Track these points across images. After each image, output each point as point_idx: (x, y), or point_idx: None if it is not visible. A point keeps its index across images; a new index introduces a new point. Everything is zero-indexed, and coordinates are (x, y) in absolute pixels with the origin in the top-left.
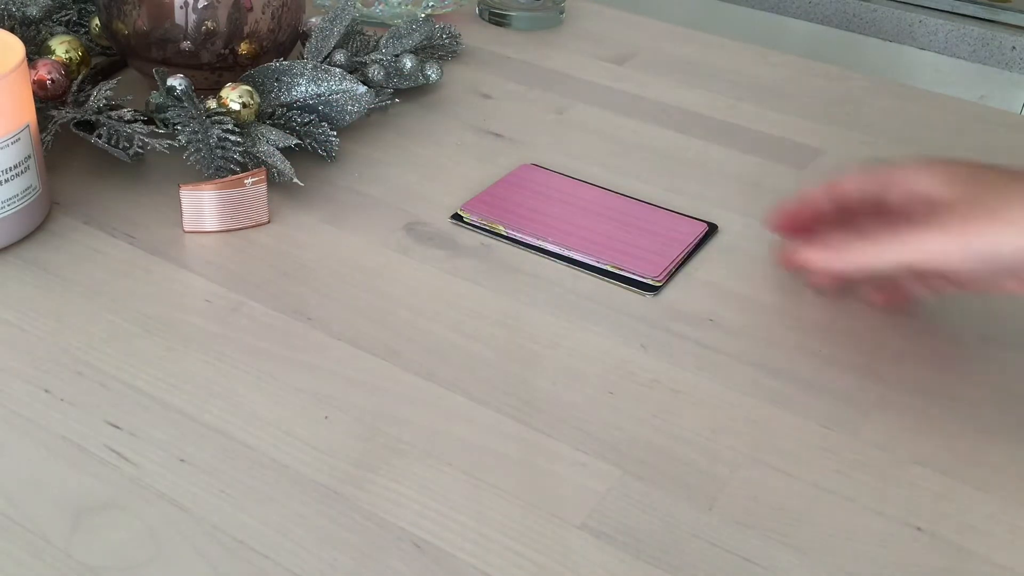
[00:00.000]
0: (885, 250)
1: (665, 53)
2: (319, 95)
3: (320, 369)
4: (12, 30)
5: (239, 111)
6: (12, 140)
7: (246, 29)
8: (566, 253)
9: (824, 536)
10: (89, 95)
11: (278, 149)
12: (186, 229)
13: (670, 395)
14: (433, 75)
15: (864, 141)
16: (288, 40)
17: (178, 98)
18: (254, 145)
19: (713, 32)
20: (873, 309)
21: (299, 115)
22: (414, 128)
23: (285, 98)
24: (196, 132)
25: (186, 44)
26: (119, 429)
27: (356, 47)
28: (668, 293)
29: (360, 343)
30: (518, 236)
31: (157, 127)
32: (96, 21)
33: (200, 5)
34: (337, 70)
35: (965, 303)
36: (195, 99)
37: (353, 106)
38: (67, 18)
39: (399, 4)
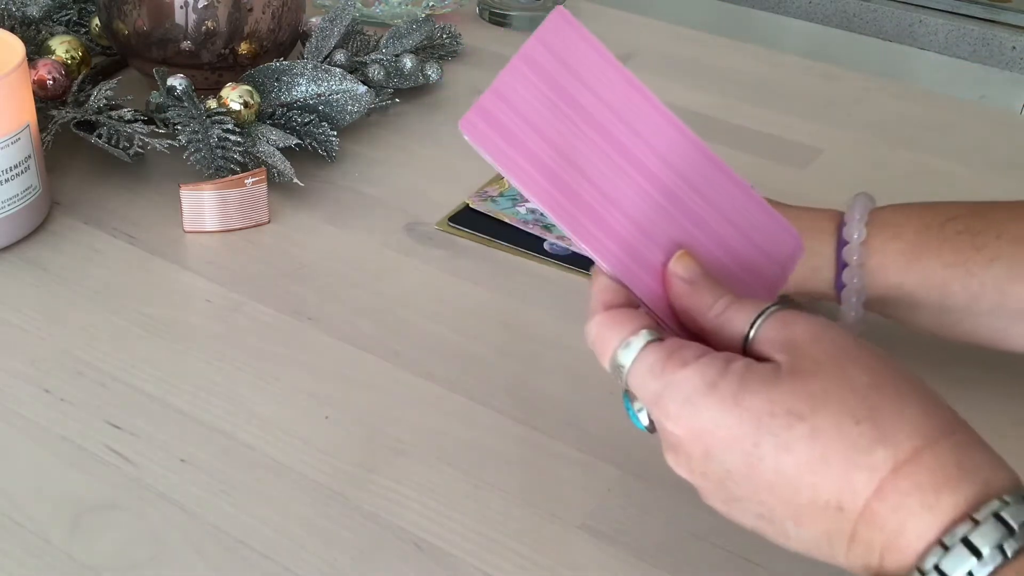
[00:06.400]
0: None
1: (665, 53)
2: (319, 95)
3: (320, 369)
4: (12, 30)
5: (239, 111)
6: (12, 140)
7: (246, 29)
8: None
9: None
10: (89, 95)
11: (278, 149)
12: (186, 229)
13: None
14: (433, 75)
15: (864, 141)
16: (288, 40)
17: (178, 98)
18: (254, 145)
19: (713, 32)
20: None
21: (299, 115)
22: (414, 128)
23: (285, 98)
24: (196, 132)
25: (186, 44)
26: (119, 429)
27: (356, 47)
28: None
29: (360, 343)
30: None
31: (157, 127)
32: (96, 21)
33: (200, 5)
34: (337, 70)
35: None
36: (195, 99)
37: (353, 106)
38: (67, 18)
39: (399, 4)
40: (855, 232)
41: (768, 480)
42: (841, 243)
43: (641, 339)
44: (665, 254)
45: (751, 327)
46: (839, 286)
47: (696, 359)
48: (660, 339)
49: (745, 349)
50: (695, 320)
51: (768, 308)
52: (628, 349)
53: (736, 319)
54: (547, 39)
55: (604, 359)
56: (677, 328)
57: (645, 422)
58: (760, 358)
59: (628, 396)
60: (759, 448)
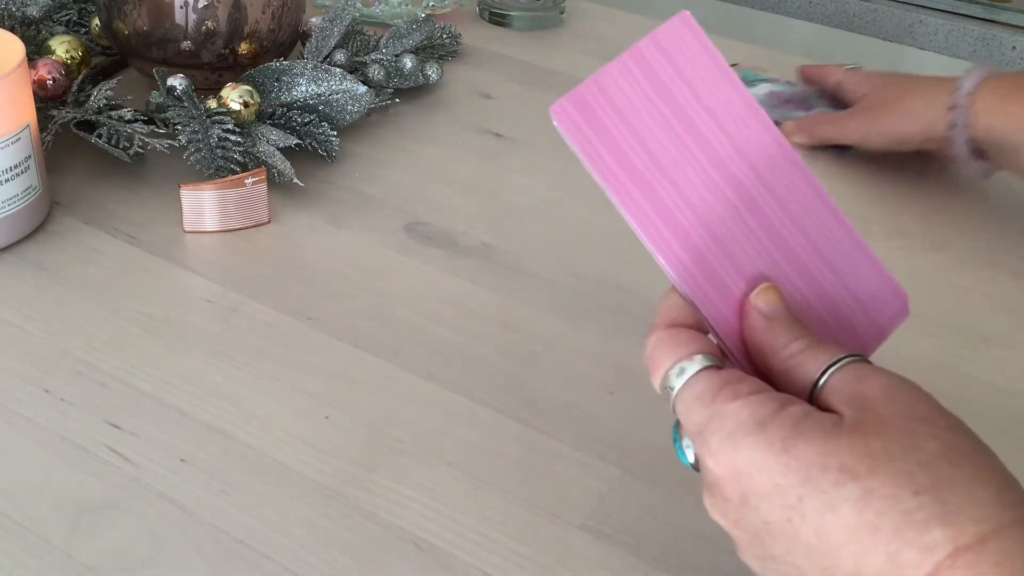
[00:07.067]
0: (828, 130)
1: None
2: (319, 95)
3: (320, 369)
4: (12, 30)
5: (239, 111)
6: (12, 140)
7: (246, 29)
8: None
9: None
10: (89, 95)
11: (278, 149)
12: (186, 229)
13: None
14: (433, 75)
15: None
16: (288, 40)
17: (178, 98)
18: (254, 145)
19: (713, 32)
20: None
21: (299, 115)
22: (414, 128)
23: (285, 98)
24: (196, 132)
25: (186, 44)
26: (119, 429)
27: (356, 47)
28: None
29: (360, 343)
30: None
31: (157, 127)
32: (96, 21)
33: (200, 5)
34: (337, 70)
35: (965, 302)
36: (195, 99)
37: (353, 106)
38: (67, 18)
39: (399, 4)
40: (967, 82)
41: (807, 541)
42: (955, 90)
43: (696, 364)
44: (748, 284)
45: (822, 375)
46: (949, 127)
47: (750, 394)
48: (718, 367)
49: (812, 398)
50: (765, 359)
51: (845, 357)
52: (681, 373)
53: (808, 364)
54: (664, 41)
55: (656, 379)
56: (744, 363)
57: (691, 458)
58: (825, 410)
59: (678, 427)
60: (803, 503)
